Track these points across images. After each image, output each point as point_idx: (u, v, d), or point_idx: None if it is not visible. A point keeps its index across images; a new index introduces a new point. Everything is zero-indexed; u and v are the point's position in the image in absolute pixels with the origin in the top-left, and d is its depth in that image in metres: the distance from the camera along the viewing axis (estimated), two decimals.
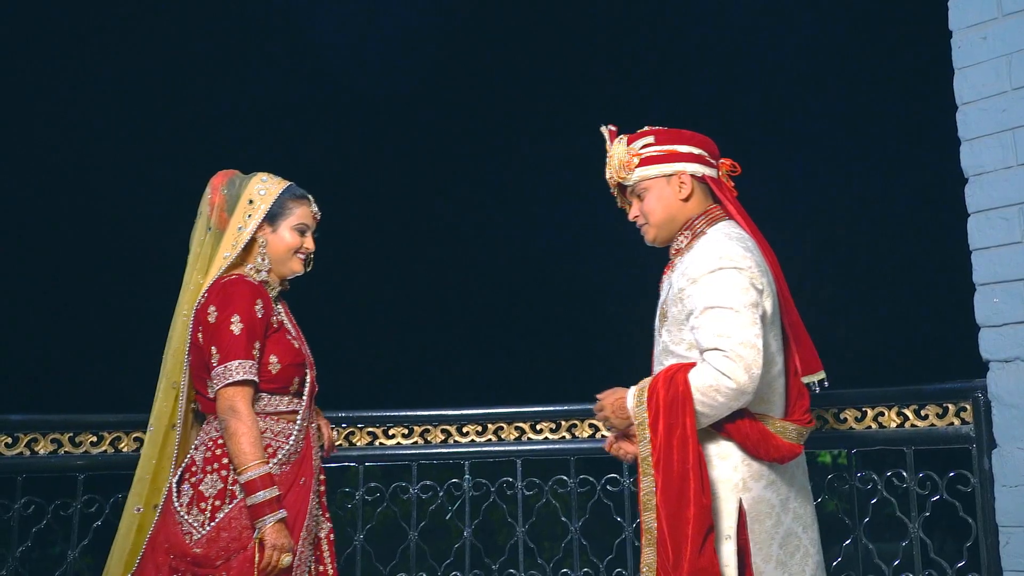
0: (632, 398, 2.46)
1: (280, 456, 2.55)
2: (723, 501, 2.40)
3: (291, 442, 2.59)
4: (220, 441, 2.54)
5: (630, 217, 2.71)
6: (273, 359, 2.59)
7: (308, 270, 2.79)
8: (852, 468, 3.33)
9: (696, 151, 2.62)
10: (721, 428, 2.43)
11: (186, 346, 2.64)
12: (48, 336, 8.73)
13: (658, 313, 2.63)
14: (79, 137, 8.68)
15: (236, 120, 9.32)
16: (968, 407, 3.14)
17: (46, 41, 8.65)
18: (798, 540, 2.46)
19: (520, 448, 3.62)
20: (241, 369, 2.50)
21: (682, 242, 2.60)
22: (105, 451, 3.54)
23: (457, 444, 3.64)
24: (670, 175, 2.59)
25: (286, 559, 2.45)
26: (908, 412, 3.27)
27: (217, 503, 2.48)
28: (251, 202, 2.69)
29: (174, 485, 2.57)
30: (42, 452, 3.50)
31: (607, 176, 2.71)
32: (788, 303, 2.52)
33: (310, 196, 2.79)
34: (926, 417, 3.24)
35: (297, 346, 2.69)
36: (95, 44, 8.80)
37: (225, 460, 2.51)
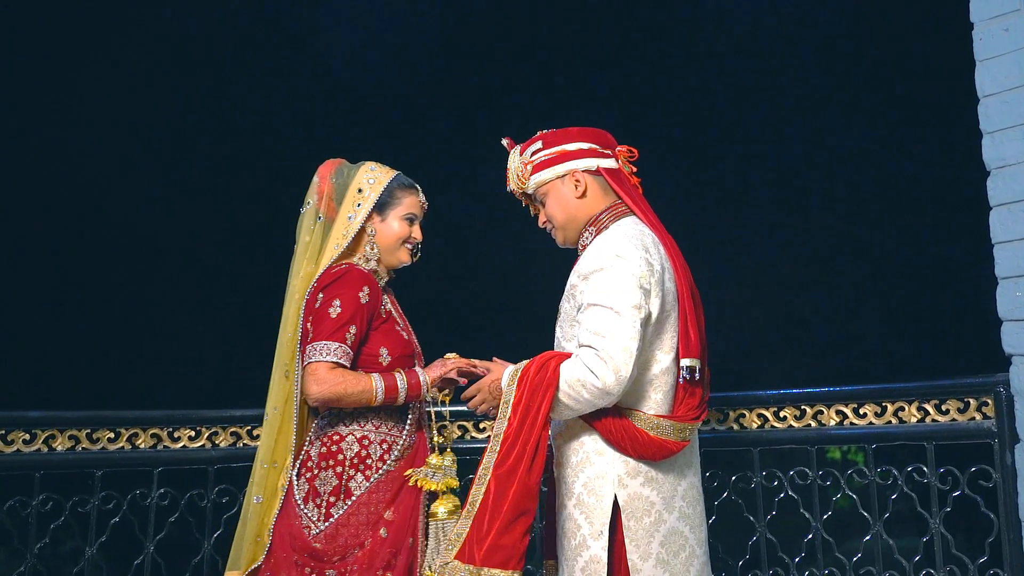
0: (507, 377, 2.48)
1: (395, 452, 2.56)
2: (599, 497, 2.41)
3: (404, 436, 2.60)
4: (335, 436, 2.56)
5: (539, 224, 2.73)
6: (383, 351, 2.60)
7: (415, 260, 2.79)
8: (872, 464, 3.31)
9: (585, 146, 2.62)
10: (590, 424, 2.44)
11: (298, 334, 2.63)
12: (65, 332, 8.77)
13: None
14: (74, 141, 8.70)
15: (237, 120, 9.35)
16: (990, 402, 3.12)
17: (51, 41, 8.70)
18: (684, 539, 2.45)
19: None
20: (326, 350, 2.49)
21: (587, 239, 2.60)
22: (123, 447, 3.55)
23: (474, 440, 3.63)
24: (563, 175, 2.61)
25: (451, 360, 2.66)
26: (929, 407, 3.25)
27: (332, 499, 2.49)
28: (360, 191, 2.70)
29: (293, 478, 2.57)
30: (60, 448, 3.52)
31: (508, 189, 2.74)
32: (686, 297, 2.48)
33: (418, 185, 2.79)
34: (947, 412, 3.22)
35: (406, 337, 2.69)
36: (97, 42, 8.84)
37: (340, 456, 2.53)
